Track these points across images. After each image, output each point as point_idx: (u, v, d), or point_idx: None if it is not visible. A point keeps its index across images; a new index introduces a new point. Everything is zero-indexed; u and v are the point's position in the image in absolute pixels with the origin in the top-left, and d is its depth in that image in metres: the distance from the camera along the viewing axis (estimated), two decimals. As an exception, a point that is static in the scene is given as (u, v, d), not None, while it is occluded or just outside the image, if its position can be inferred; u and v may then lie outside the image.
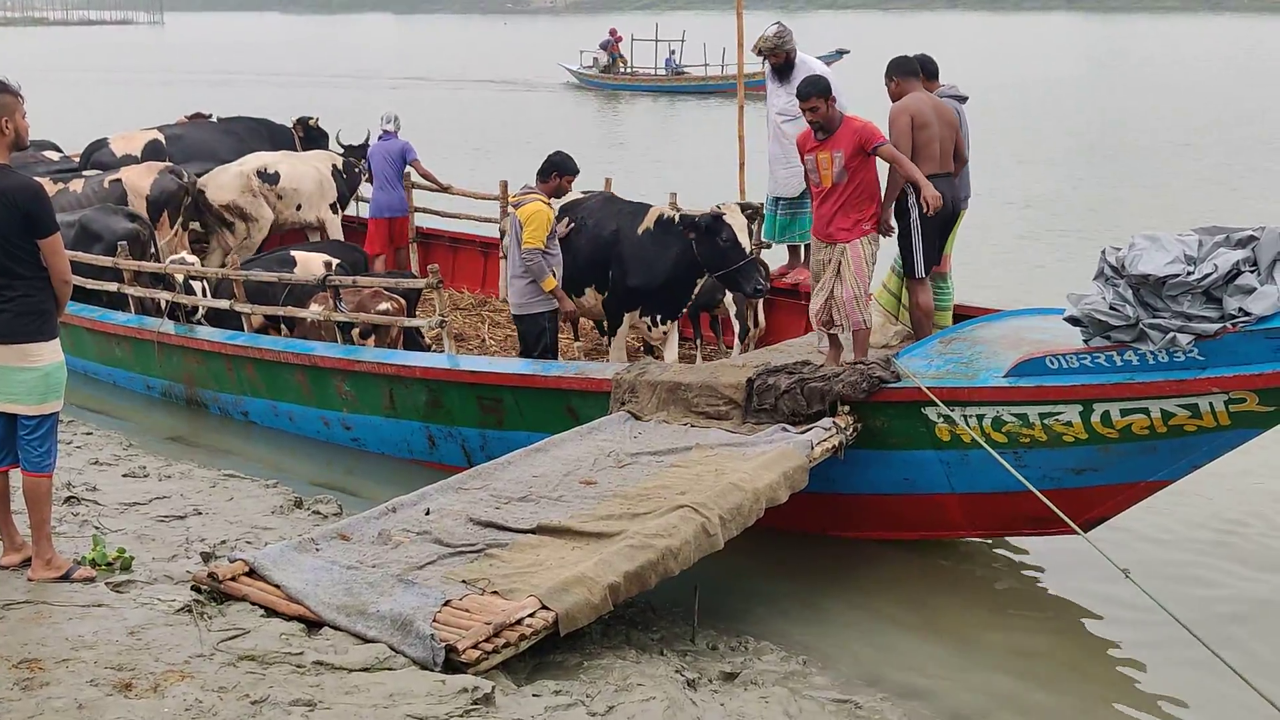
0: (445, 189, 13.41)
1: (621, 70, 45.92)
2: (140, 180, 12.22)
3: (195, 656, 5.23)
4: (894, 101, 8.26)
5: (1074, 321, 6.79)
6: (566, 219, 9.36)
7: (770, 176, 10.47)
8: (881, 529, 7.71)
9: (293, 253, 11.15)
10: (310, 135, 14.70)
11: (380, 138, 13.11)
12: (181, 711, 4.72)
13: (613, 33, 47.27)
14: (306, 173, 13.34)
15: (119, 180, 12.26)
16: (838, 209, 7.87)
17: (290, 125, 14.84)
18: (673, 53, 45.64)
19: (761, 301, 10.13)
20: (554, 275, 8.77)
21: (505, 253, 9.90)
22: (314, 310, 9.66)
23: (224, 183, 12.91)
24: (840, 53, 37.68)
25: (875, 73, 9.05)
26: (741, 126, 10.99)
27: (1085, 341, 6.77)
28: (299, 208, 13.24)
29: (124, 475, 8.38)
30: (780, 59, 10.11)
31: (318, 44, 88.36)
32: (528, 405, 8.34)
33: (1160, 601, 5.93)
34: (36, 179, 5.97)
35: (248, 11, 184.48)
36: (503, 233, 10.94)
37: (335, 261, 10.95)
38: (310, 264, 10.74)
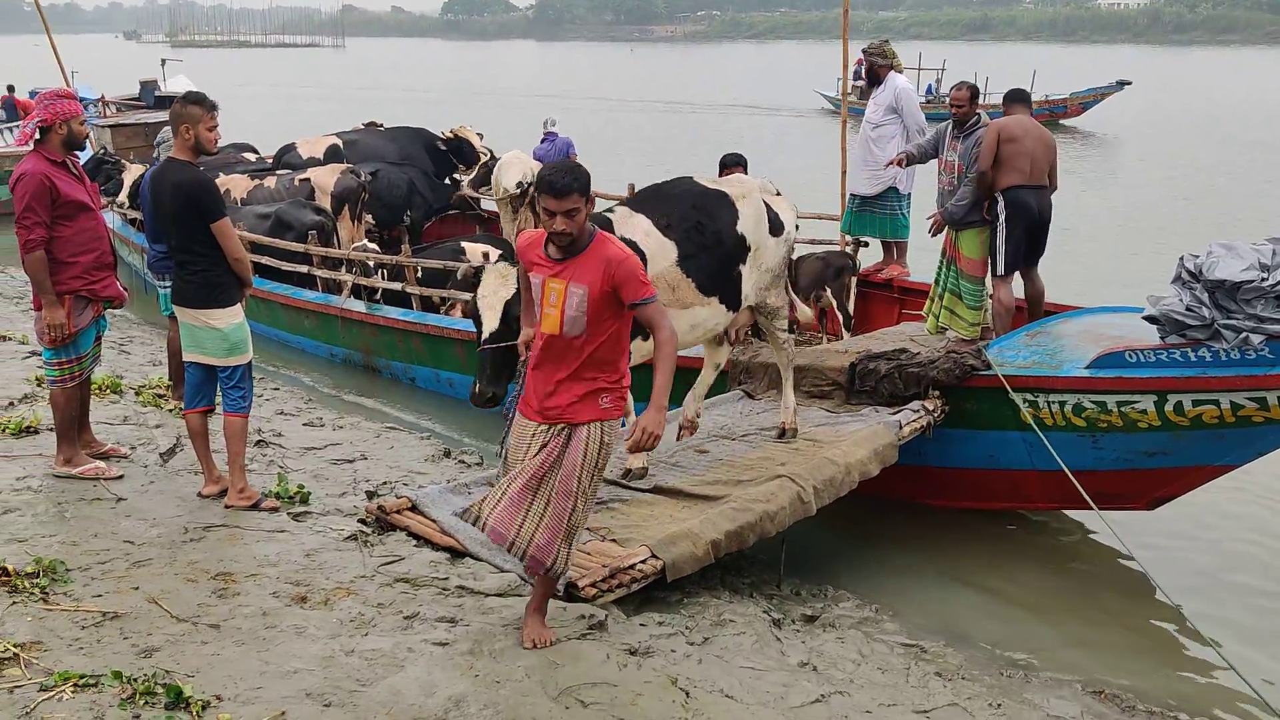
0: None
1: None
2: (325, 179, 12.66)
3: (359, 577, 5.49)
4: None
5: (1152, 320, 6.67)
6: None
7: (851, 174, 10.57)
8: (967, 500, 7.66)
9: (462, 243, 11.48)
10: (457, 145, 14.94)
11: (544, 139, 13.30)
12: (347, 621, 4.96)
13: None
14: None
15: (307, 179, 12.73)
16: (566, 373, 4.68)
17: (444, 134, 15.12)
18: (937, 80, 41.40)
19: (854, 294, 10.10)
20: None
21: None
22: None
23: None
24: (1122, 84, 35.96)
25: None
26: (844, 139, 10.92)
27: (1162, 338, 6.64)
28: None
29: (304, 425, 8.71)
30: (868, 69, 10.42)
31: (473, 66, 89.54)
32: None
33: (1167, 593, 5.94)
34: (206, 173, 6.24)
35: (414, 37, 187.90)
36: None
37: (498, 252, 11.22)
38: (477, 251, 11.06)
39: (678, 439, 7.06)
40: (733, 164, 8.86)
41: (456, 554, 5.86)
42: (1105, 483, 6.89)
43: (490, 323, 5.99)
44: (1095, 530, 7.74)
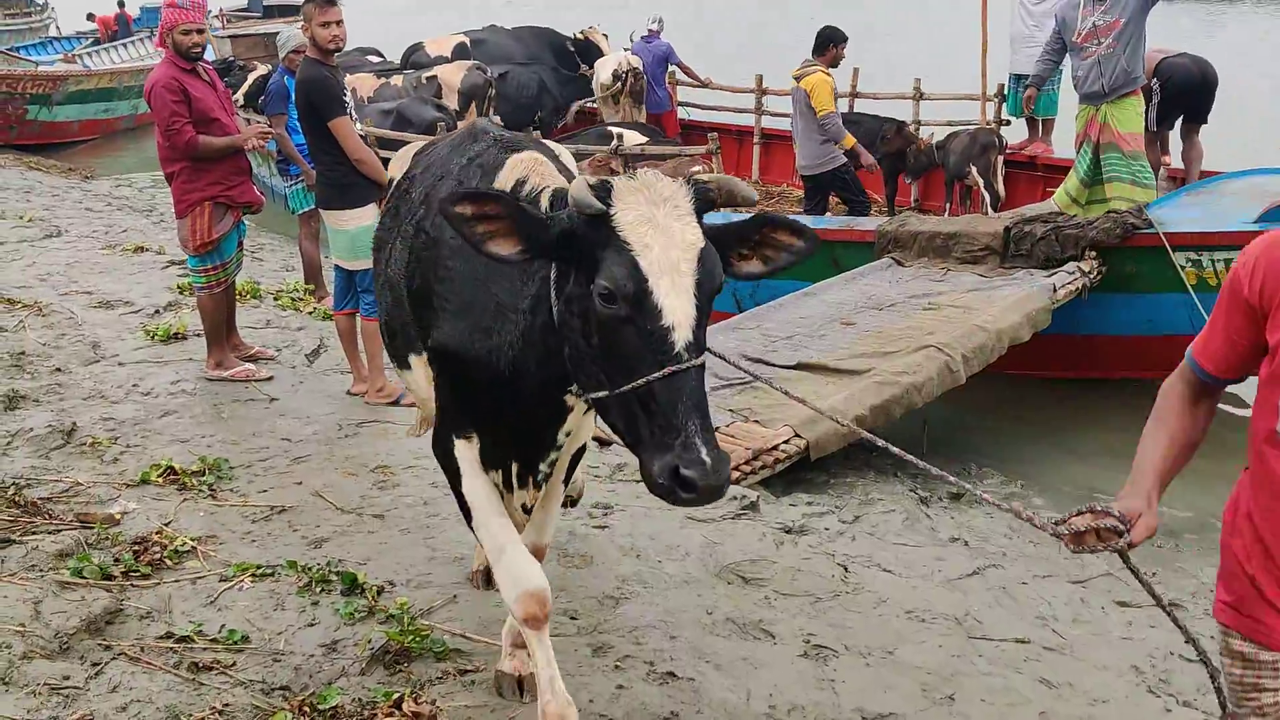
0: (705, 84, 13.46)
1: None
2: (452, 76, 12.73)
3: (513, 466, 5.58)
4: None
5: (1326, 169, 6.32)
6: None
7: (1012, 54, 10.28)
8: (1123, 369, 7.45)
9: (610, 127, 11.40)
10: (585, 46, 14.78)
11: (644, 38, 13.11)
12: (505, 508, 5.06)
13: None
14: None
15: (434, 76, 12.81)
16: None
17: (575, 36, 14.97)
18: None
19: (1002, 173, 9.89)
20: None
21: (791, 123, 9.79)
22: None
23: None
24: None
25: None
26: (985, 16, 10.50)
27: (1337, 187, 6.29)
28: None
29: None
30: None
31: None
32: None
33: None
34: (328, 70, 6.21)
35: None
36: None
37: (644, 139, 11.13)
38: (629, 135, 10.95)
39: None
40: (838, 40, 8.87)
41: (603, 442, 5.92)
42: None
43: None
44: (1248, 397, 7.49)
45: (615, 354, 2.55)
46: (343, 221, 6.22)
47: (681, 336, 2.50)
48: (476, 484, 3.27)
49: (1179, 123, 9.03)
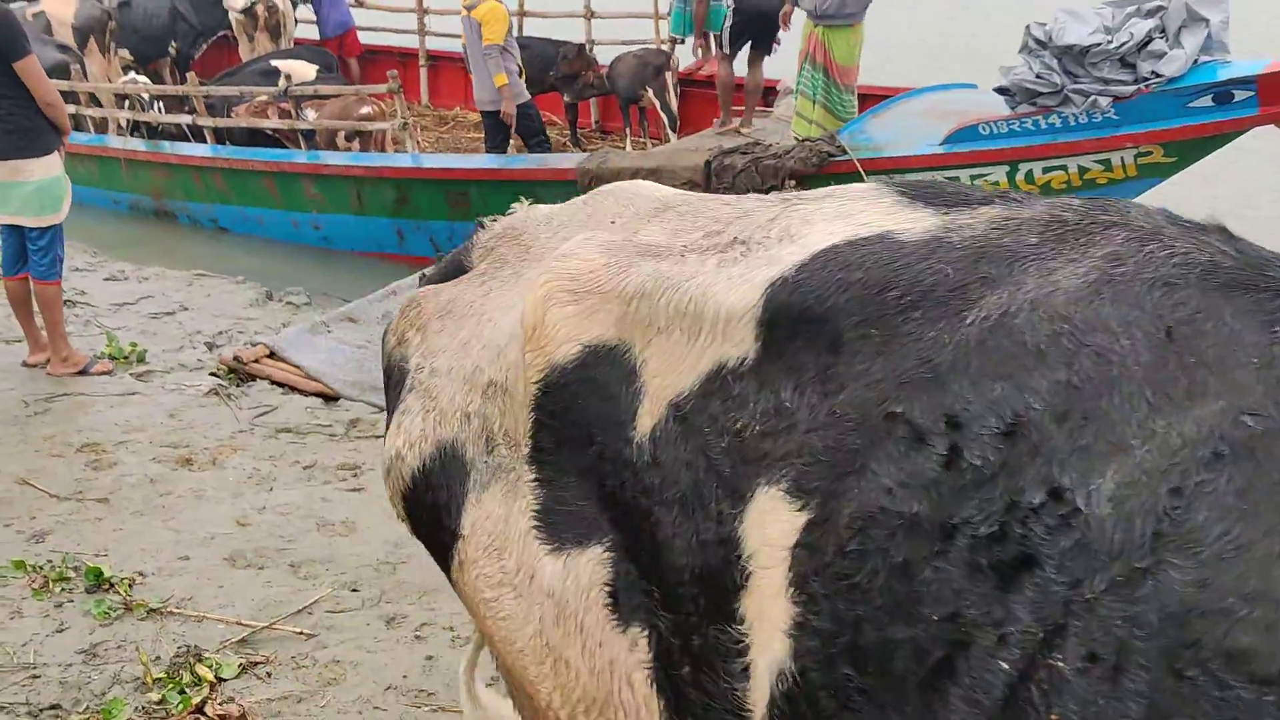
0: (360, 3, 12.74)
1: None
2: (63, 10, 11.30)
3: (238, 432, 5.22)
4: None
5: (1003, 91, 6.88)
6: None
7: None
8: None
9: (274, 63, 10.47)
10: None
11: None
12: (245, 479, 4.72)
13: None
14: None
15: (41, 12, 11.33)
16: None
17: None
18: None
19: (675, 93, 9.96)
20: (508, 72, 8.55)
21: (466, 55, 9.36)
22: (310, 118, 9.19)
23: None
24: None
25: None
26: None
27: (1012, 109, 6.86)
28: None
29: (106, 279, 8.03)
30: None
31: None
32: (493, 196, 8.16)
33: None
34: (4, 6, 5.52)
35: None
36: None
37: (314, 66, 10.37)
38: (297, 70, 10.12)
39: None
40: None
41: (329, 398, 5.65)
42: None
43: None
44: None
45: None
46: (26, 172, 5.52)
47: None
48: None
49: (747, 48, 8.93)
